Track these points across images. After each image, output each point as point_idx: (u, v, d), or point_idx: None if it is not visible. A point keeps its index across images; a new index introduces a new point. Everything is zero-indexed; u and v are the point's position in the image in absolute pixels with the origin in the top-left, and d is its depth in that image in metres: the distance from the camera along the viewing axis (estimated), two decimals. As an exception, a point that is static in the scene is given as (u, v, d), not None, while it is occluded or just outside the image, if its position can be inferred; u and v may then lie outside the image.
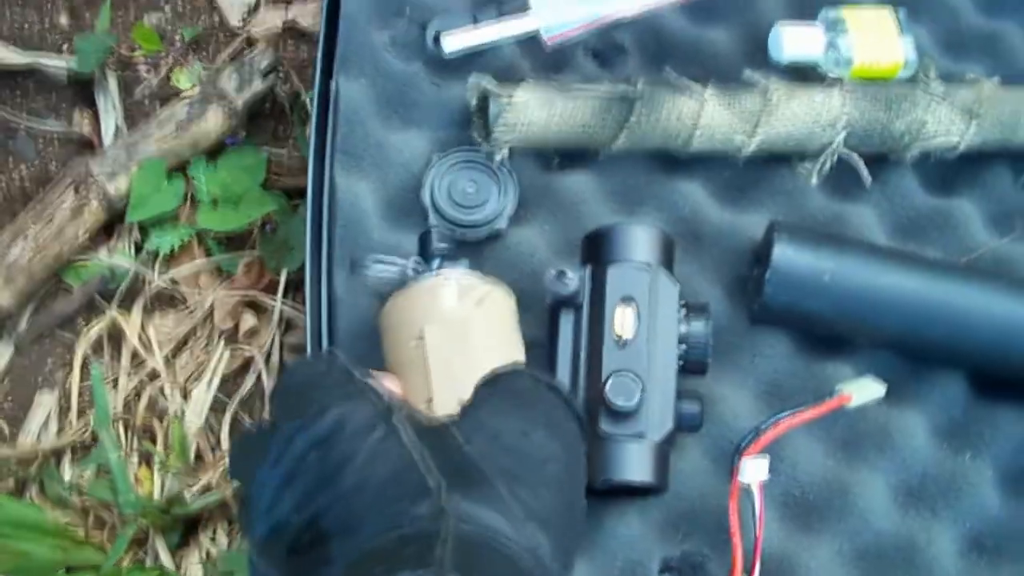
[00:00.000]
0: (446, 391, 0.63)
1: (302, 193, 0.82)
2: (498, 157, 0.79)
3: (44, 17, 1.03)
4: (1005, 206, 0.88)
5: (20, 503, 0.85)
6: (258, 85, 0.97)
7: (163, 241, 0.95)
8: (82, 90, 1.01)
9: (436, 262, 0.70)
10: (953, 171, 0.87)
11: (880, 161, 0.85)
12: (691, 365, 0.73)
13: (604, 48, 0.87)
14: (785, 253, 0.76)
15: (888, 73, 0.86)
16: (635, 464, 0.70)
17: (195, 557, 0.81)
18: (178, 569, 0.80)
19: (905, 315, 0.77)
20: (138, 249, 0.96)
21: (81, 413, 0.92)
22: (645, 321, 0.71)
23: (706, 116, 0.79)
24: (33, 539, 0.75)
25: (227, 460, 0.87)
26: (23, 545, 0.73)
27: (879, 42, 0.86)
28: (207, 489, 0.85)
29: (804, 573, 0.76)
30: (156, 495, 0.83)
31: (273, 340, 0.94)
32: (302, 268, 0.82)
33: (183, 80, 1.00)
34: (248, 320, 0.96)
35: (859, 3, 0.89)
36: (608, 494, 0.74)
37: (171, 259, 0.97)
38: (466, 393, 0.58)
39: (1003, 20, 0.95)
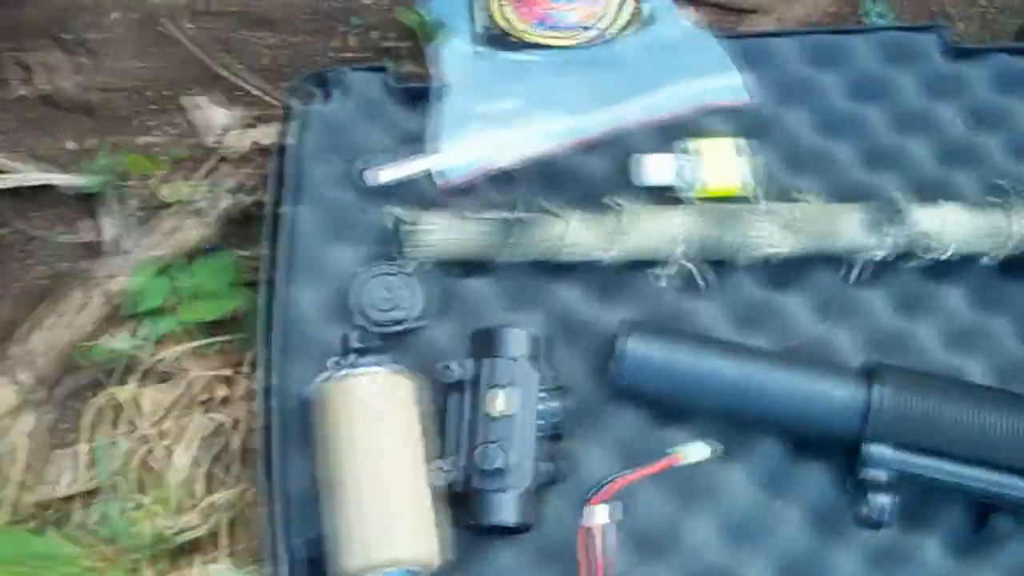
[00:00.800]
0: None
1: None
2: (409, 269, 0.99)
3: (56, 142, 1.23)
4: (825, 299, 1.05)
5: (42, 538, 1.00)
6: (227, 201, 1.17)
7: (154, 329, 1.14)
8: (86, 202, 1.20)
9: (350, 358, 0.91)
10: (781, 271, 1.04)
11: (720, 264, 1.03)
12: (552, 433, 0.93)
13: (499, 175, 1.05)
14: (629, 345, 0.95)
15: (728, 193, 1.04)
16: (501, 511, 0.89)
17: None
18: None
19: (726, 393, 0.95)
20: (134, 334, 1.15)
21: (90, 466, 1.11)
22: (512, 402, 0.91)
23: (570, 236, 0.99)
24: (53, 568, 0.93)
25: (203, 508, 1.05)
26: (46, 573, 0.93)
27: (720, 168, 1.04)
28: (184, 530, 1.02)
29: None
30: (146, 534, 1.03)
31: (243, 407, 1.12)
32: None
33: (169, 194, 1.20)
34: (221, 391, 1.15)
35: (707, 134, 1.09)
36: (490, 533, 0.91)
37: (160, 342, 1.16)
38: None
39: (836, 141, 1.14)
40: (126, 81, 1.25)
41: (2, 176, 1.19)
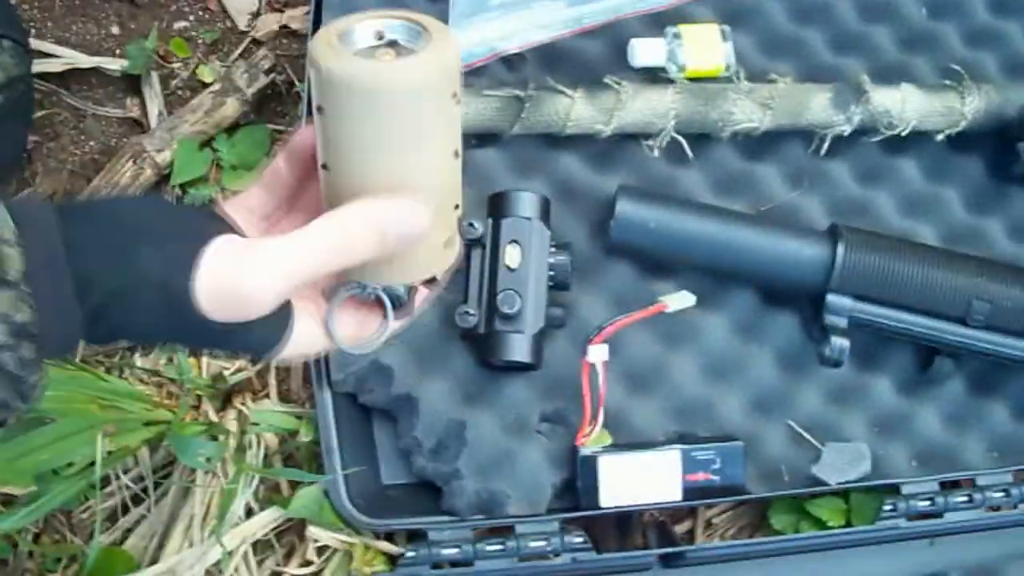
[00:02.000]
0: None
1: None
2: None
3: (100, 28, 1.33)
4: (796, 169, 1.17)
5: (115, 379, 1.09)
6: (263, 80, 1.29)
7: (197, 196, 1.27)
8: (133, 83, 1.32)
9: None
10: (757, 144, 1.16)
11: (703, 138, 1.15)
12: (559, 284, 1.05)
13: (509, 59, 1.15)
14: (624, 207, 1.07)
15: (712, 73, 1.15)
16: (516, 349, 1.02)
17: (232, 415, 1.10)
18: (221, 422, 1.09)
19: (707, 249, 1.07)
20: (180, 201, 1.27)
21: None
22: (526, 256, 1.03)
23: (575, 111, 1.10)
24: (127, 402, 1.03)
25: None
26: (121, 404, 1.05)
27: (706, 51, 1.14)
28: (239, 370, 1.13)
29: (636, 422, 1.07)
30: (204, 374, 1.15)
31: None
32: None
33: (207, 75, 1.32)
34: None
35: (694, 21, 1.19)
36: (504, 370, 1.04)
37: (204, 208, 1.28)
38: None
39: (808, 28, 1.24)
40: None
41: (53, 59, 1.30)
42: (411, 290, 0.65)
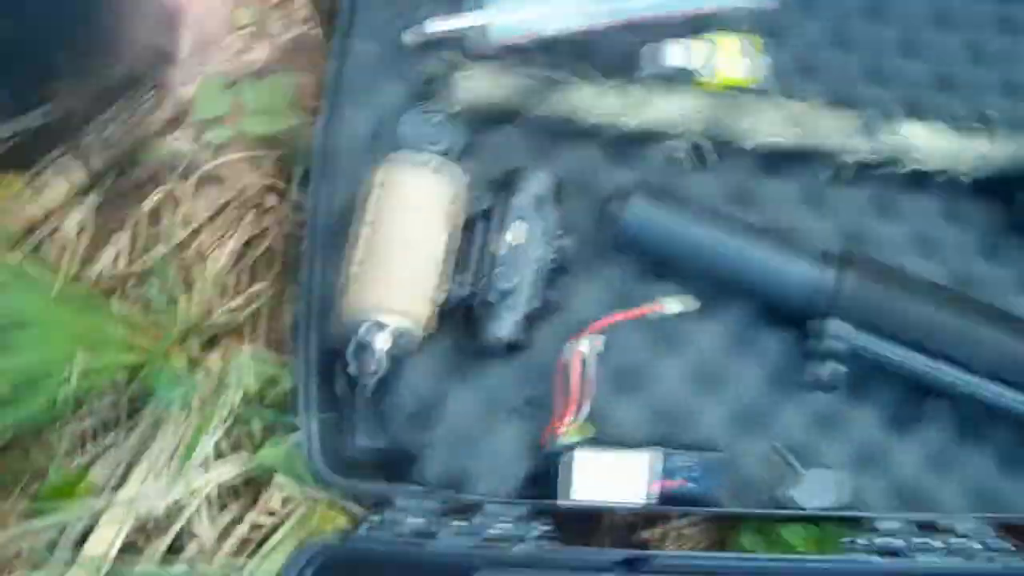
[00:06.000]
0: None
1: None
2: (454, 109, 1.06)
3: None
4: (813, 190, 1.14)
5: (102, 298, 1.10)
6: (296, 29, 1.26)
7: (216, 135, 1.24)
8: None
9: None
10: (776, 159, 1.11)
11: (723, 146, 1.10)
12: (558, 268, 1.02)
13: (539, 43, 1.10)
14: (637, 202, 1.02)
15: (744, 83, 1.11)
16: (506, 326, 0.98)
17: (216, 355, 1.08)
18: (203, 361, 1.08)
19: (712, 255, 1.02)
20: (196, 140, 1.25)
21: (143, 251, 1.19)
22: (531, 234, 1.00)
23: (601, 101, 1.07)
24: (110, 324, 1.02)
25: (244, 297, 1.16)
26: (105, 326, 1.03)
27: (741, 61, 1.11)
28: (227, 311, 1.12)
29: (618, 422, 1.02)
30: (193, 313, 1.12)
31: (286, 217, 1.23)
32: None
33: (242, 18, 1.29)
34: (270, 200, 1.25)
35: (733, 31, 1.14)
36: (489, 351, 1.00)
37: (219, 149, 1.25)
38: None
39: (848, 54, 1.21)
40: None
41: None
42: None
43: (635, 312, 1.01)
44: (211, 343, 1.11)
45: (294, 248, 1.13)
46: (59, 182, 1.18)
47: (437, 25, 1.08)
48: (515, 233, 1.00)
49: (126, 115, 1.20)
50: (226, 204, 1.22)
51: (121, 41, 1.25)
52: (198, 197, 1.23)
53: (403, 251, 0.96)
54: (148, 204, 1.22)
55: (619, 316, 1.00)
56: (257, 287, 1.16)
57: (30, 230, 1.17)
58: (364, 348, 0.93)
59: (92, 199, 1.21)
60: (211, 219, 1.21)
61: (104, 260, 1.20)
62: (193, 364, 1.04)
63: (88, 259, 1.20)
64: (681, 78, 1.10)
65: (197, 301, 1.11)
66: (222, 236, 1.20)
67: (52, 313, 0.96)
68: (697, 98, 1.09)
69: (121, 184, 1.23)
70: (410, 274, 0.96)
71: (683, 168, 1.11)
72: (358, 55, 1.11)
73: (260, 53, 1.24)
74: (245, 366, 1.04)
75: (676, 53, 1.11)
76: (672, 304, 1.02)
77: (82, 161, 1.20)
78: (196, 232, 1.21)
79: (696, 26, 1.13)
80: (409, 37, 1.08)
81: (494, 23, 1.07)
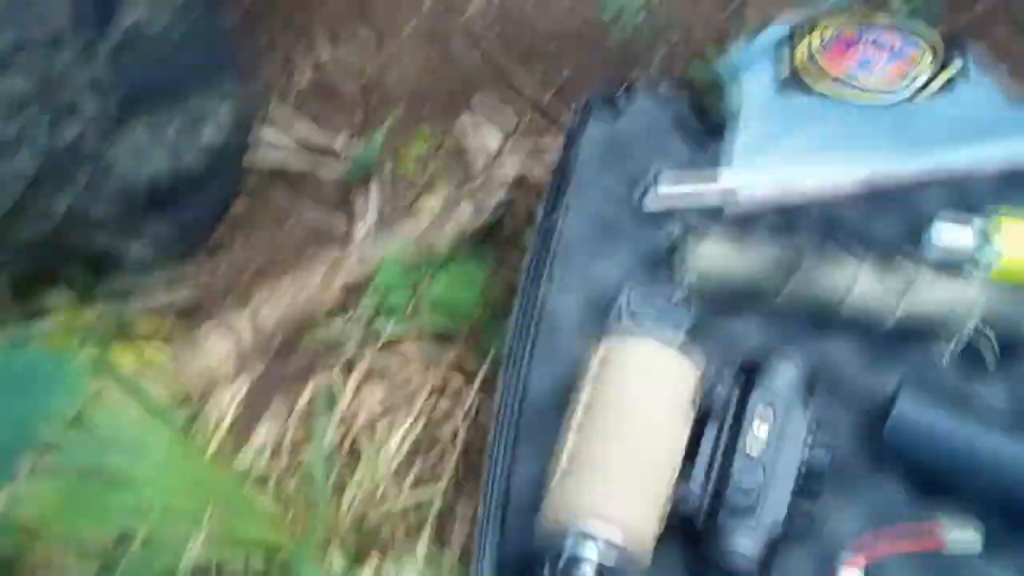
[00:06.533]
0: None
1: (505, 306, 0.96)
2: (682, 293, 0.91)
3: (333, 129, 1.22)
4: None
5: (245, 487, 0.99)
6: (486, 218, 1.13)
7: (392, 331, 1.10)
8: (346, 192, 1.19)
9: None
10: None
11: (1006, 348, 0.91)
12: (807, 487, 0.81)
13: (780, 221, 0.98)
14: (905, 407, 0.85)
15: None
16: (742, 544, 0.78)
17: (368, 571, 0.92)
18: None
19: (1000, 476, 0.83)
20: (368, 325, 1.10)
21: (296, 443, 1.05)
22: (775, 438, 0.81)
23: (859, 286, 0.91)
24: (247, 518, 0.90)
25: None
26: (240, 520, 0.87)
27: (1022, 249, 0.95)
28: (387, 514, 0.97)
29: None
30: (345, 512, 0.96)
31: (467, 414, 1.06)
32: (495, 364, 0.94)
33: (430, 199, 1.17)
34: (443, 403, 1.08)
35: (1016, 210, 0.98)
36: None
37: (387, 343, 1.11)
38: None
39: None
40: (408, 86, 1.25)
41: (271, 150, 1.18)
42: None
43: (910, 544, 0.81)
44: (362, 552, 0.93)
45: (478, 440, 0.96)
46: (220, 348, 1.04)
47: (677, 188, 0.93)
48: (758, 433, 0.80)
49: (292, 292, 1.07)
50: (388, 405, 1.07)
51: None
52: (359, 393, 1.07)
53: (629, 444, 0.78)
54: (303, 397, 1.07)
55: (890, 548, 0.81)
56: (422, 490, 0.98)
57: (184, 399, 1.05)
58: (574, 564, 0.72)
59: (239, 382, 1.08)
60: (370, 422, 1.06)
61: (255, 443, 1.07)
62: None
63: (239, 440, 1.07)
64: (963, 262, 0.94)
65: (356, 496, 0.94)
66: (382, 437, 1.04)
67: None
68: (973, 289, 0.92)
69: (273, 368, 1.09)
70: (637, 473, 0.77)
71: (957, 372, 0.93)
72: (569, 231, 0.99)
73: (445, 239, 1.12)
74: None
75: (946, 234, 0.95)
76: (958, 536, 0.81)
77: (230, 335, 1.07)
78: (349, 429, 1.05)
79: (971, 206, 0.98)
80: (652, 203, 0.94)
81: (736, 186, 0.92)
